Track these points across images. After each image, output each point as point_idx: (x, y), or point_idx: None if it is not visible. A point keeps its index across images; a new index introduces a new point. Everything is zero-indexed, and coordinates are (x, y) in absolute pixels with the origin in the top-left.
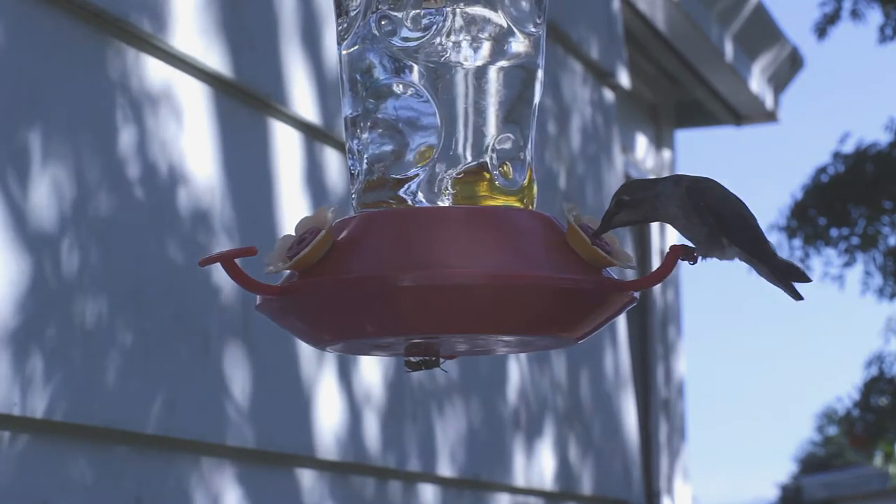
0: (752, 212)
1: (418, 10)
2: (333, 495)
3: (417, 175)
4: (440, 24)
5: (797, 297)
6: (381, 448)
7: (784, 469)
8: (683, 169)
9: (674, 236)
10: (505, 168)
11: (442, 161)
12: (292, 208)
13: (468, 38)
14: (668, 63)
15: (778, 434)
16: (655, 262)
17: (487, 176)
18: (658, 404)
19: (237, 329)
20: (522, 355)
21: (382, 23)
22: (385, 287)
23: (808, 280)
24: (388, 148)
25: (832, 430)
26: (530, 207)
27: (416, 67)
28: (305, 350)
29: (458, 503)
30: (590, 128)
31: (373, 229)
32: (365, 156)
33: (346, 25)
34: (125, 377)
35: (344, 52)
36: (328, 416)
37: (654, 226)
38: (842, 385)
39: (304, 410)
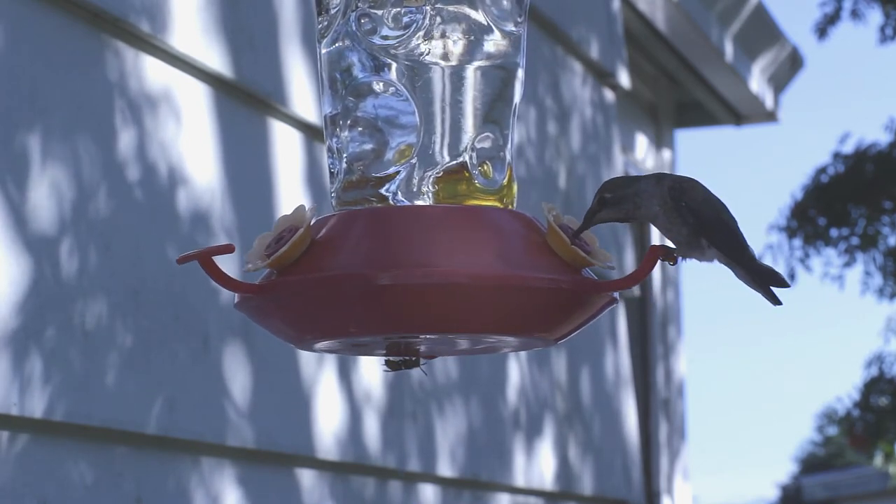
0: (733, 215)
1: (398, 9)
2: (333, 495)
3: (397, 174)
4: (420, 23)
5: (775, 301)
6: (381, 448)
7: (784, 469)
8: (683, 169)
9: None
10: (485, 167)
11: (421, 160)
12: (292, 208)
13: (448, 36)
14: (668, 63)
15: (778, 434)
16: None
17: (467, 175)
18: (658, 404)
19: (237, 329)
20: (522, 355)
21: (362, 21)
22: (363, 286)
23: (786, 285)
24: (367, 146)
25: (832, 430)
26: (510, 207)
27: (395, 66)
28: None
29: (458, 503)
30: (590, 128)
31: (351, 228)
32: (344, 154)
33: (326, 23)
34: (125, 377)
35: (324, 51)
36: (328, 416)
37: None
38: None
39: (304, 410)
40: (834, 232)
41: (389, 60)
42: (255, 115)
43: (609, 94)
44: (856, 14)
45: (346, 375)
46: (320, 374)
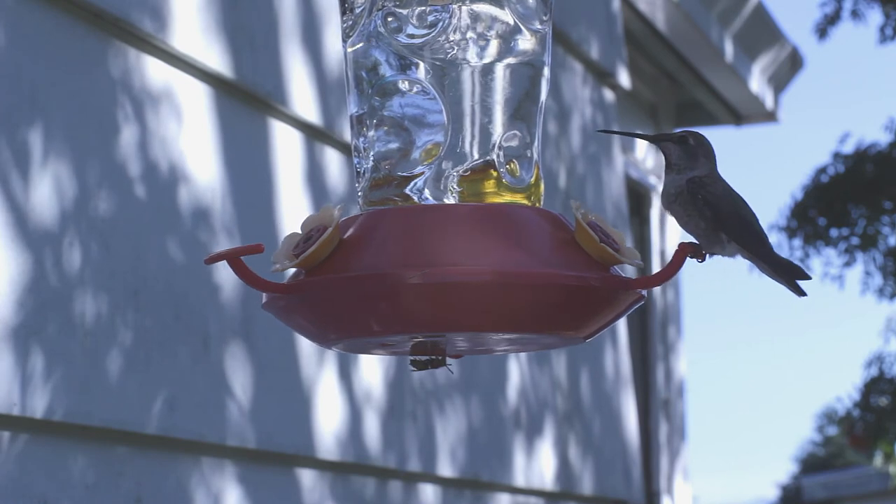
0: (753, 210)
1: (424, 7)
2: (333, 495)
3: (424, 172)
4: (446, 22)
5: (800, 293)
6: (382, 448)
7: (784, 469)
8: None
9: (673, 238)
10: (512, 165)
11: (448, 158)
12: (292, 207)
13: (474, 35)
14: (668, 63)
15: (778, 434)
16: (655, 262)
17: (494, 173)
18: (658, 404)
19: (237, 329)
20: (522, 355)
21: (388, 20)
22: (392, 284)
23: (808, 277)
24: (394, 145)
25: (832, 430)
26: (538, 205)
27: (422, 65)
28: (306, 350)
29: (458, 503)
30: (590, 128)
31: (379, 227)
32: (371, 153)
33: (351, 23)
34: (125, 377)
35: (349, 50)
36: (328, 416)
37: (655, 226)
38: (842, 385)
39: (304, 410)
40: (834, 232)
41: (416, 59)
42: (255, 115)
43: (609, 94)
44: (856, 14)
45: (346, 375)
46: (320, 374)
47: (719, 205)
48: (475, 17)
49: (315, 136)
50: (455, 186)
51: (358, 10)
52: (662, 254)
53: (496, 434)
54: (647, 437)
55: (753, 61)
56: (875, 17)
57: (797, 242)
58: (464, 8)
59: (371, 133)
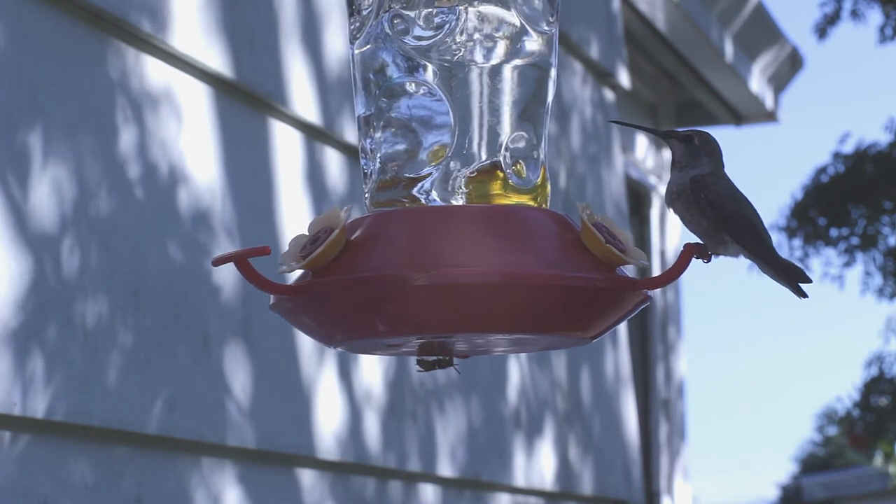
0: (757, 210)
1: (431, 9)
2: (333, 495)
3: (431, 174)
4: (453, 23)
5: (801, 294)
6: (382, 448)
7: (784, 469)
8: None
9: (673, 238)
10: (518, 167)
11: (455, 160)
12: (292, 208)
13: (481, 36)
14: (668, 63)
15: (778, 434)
16: (655, 262)
17: (501, 175)
18: (658, 404)
19: (237, 329)
20: (523, 355)
21: (395, 21)
22: (399, 286)
23: (809, 280)
24: (401, 147)
25: (832, 430)
26: (544, 206)
27: (429, 66)
28: (306, 350)
29: (458, 503)
30: (590, 127)
31: (386, 228)
32: (378, 155)
33: (358, 24)
34: (125, 377)
35: (356, 51)
36: (328, 416)
37: (655, 226)
38: (842, 385)
39: (304, 410)
40: (834, 232)
41: (423, 61)
42: (255, 115)
43: (609, 94)
44: (856, 14)
45: (346, 375)
46: (320, 374)
47: (722, 204)
48: (482, 19)
49: (315, 136)
50: (462, 188)
51: (365, 12)
52: (662, 254)
53: (496, 434)
54: (647, 437)
55: (753, 61)
56: (875, 17)
57: (797, 242)
58: (470, 9)
59: (378, 134)
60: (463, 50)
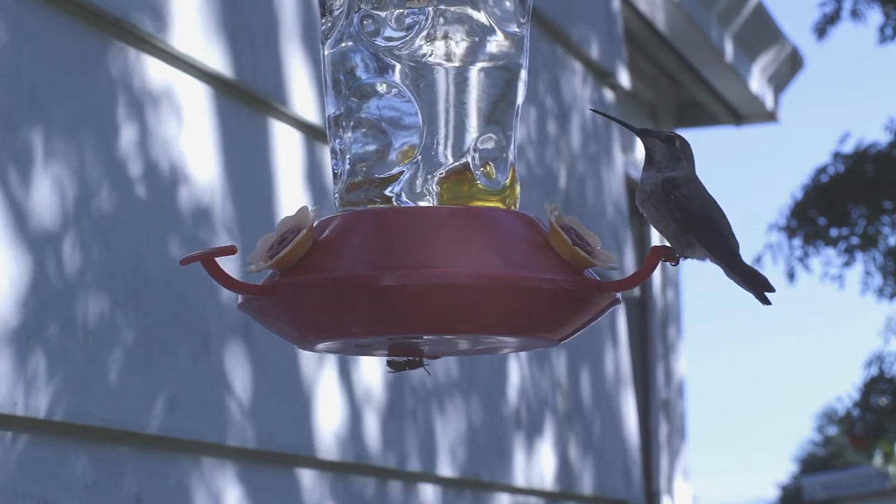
0: (726, 215)
1: (402, 10)
2: (333, 495)
3: (400, 174)
4: (423, 24)
5: (764, 301)
6: (382, 448)
7: (784, 469)
8: None
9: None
10: (487, 168)
11: (425, 161)
12: (292, 207)
13: (451, 37)
14: (668, 63)
15: (778, 434)
16: None
17: (470, 176)
18: (658, 404)
19: (237, 329)
20: (522, 355)
21: (366, 22)
22: (366, 287)
23: (772, 289)
24: (370, 147)
25: (832, 430)
26: (513, 208)
27: (398, 67)
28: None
29: (458, 503)
30: (590, 128)
31: (354, 229)
32: (348, 155)
33: (329, 25)
34: (126, 377)
35: (327, 52)
36: (328, 416)
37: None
38: (842, 385)
39: (304, 410)
40: (834, 232)
41: (393, 61)
42: (255, 114)
43: (609, 94)
44: (856, 14)
45: (346, 375)
46: (320, 374)
47: (690, 206)
48: (452, 20)
49: (315, 136)
50: (432, 189)
51: (336, 13)
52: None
53: (496, 434)
54: (647, 437)
55: (753, 61)
56: (875, 17)
57: (797, 242)
58: (441, 11)
59: (348, 135)
60: (433, 51)
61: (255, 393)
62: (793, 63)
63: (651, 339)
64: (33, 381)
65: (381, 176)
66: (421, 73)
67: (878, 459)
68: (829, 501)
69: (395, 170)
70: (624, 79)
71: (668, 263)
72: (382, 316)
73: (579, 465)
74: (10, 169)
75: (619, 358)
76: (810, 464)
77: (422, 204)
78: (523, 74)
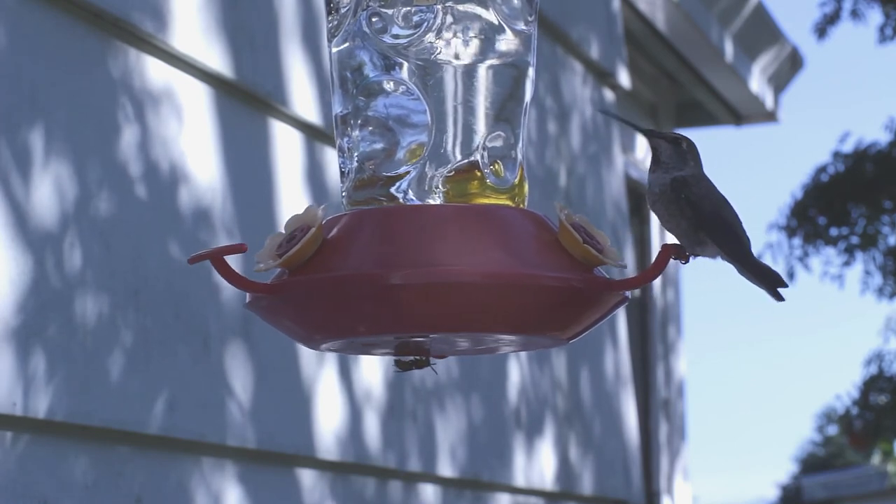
0: (737, 213)
1: (409, 8)
2: (333, 495)
3: (408, 173)
4: (431, 22)
5: (778, 298)
6: (382, 448)
7: (784, 469)
8: None
9: (673, 238)
10: (496, 166)
11: (433, 159)
12: (293, 208)
13: (459, 35)
14: (668, 63)
15: (778, 434)
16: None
17: (478, 174)
18: (658, 404)
19: (237, 329)
20: (523, 354)
21: (373, 20)
22: (374, 285)
23: (785, 285)
24: (378, 146)
25: (832, 430)
26: (522, 206)
27: (406, 65)
28: (306, 350)
29: (458, 503)
30: (590, 127)
31: (363, 227)
32: (355, 154)
33: (336, 23)
34: (126, 377)
35: (334, 50)
36: (328, 416)
37: (655, 226)
38: (842, 385)
39: (304, 410)
40: (834, 231)
41: (400, 59)
42: (255, 115)
43: (609, 94)
44: (856, 14)
45: (346, 375)
46: (320, 374)
47: (701, 204)
48: (460, 18)
49: (315, 136)
50: (440, 187)
51: (343, 10)
52: None
53: (496, 434)
54: (647, 437)
55: (753, 61)
56: (875, 16)
57: (797, 242)
58: (448, 8)
59: (355, 133)
60: (441, 49)
61: (255, 393)
62: (793, 63)
63: (651, 339)
64: (33, 381)
65: (389, 174)
66: (429, 71)
67: (876, 458)
68: (829, 501)
69: (403, 168)
70: (624, 79)
71: (678, 261)
72: (391, 315)
73: (579, 465)
74: (10, 169)
75: (620, 358)
76: (810, 464)
77: (430, 202)
78: (531, 72)
